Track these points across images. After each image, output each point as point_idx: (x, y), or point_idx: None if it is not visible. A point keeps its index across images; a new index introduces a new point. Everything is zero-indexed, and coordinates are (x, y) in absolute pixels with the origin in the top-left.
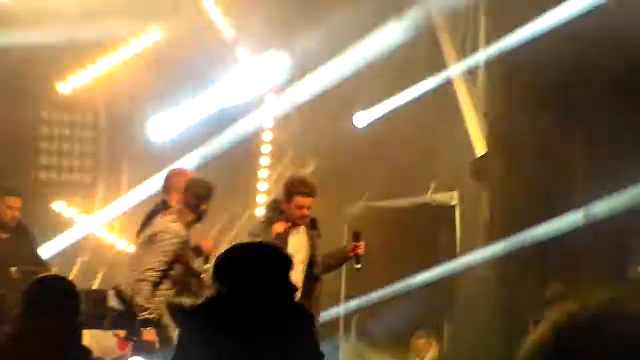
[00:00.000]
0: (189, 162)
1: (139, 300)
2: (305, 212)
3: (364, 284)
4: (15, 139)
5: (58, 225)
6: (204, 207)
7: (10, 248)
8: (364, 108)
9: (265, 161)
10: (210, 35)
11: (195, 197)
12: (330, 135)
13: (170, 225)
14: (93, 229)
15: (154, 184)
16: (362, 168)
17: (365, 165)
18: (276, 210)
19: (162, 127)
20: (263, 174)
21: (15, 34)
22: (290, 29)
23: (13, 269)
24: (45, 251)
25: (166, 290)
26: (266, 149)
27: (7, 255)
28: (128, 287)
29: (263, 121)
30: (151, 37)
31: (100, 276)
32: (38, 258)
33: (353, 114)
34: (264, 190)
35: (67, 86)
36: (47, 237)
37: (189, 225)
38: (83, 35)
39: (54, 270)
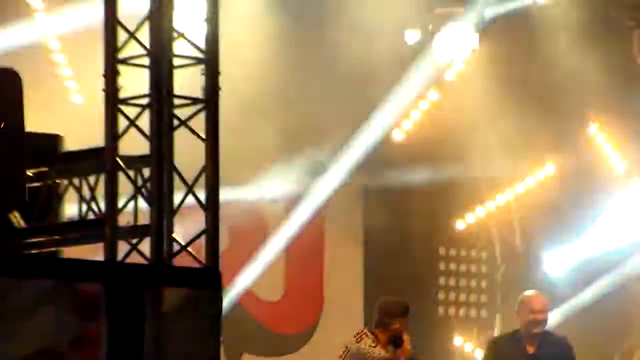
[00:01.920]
0: (583, 298)
1: None
2: None
3: None
4: (414, 275)
5: None
6: (396, 325)
7: None
8: None
9: None
10: (600, 170)
11: (385, 314)
12: None
13: (369, 350)
14: None
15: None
16: None
17: None
18: None
19: (557, 261)
20: None
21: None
22: None
23: None
24: None
25: None
26: None
27: None
28: None
29: None
30: (545, 172)
31: None
32: None
33: None
34: None
35: (462, 222)
36: None
37: (384, 347)
38: (478, 171)
39: None
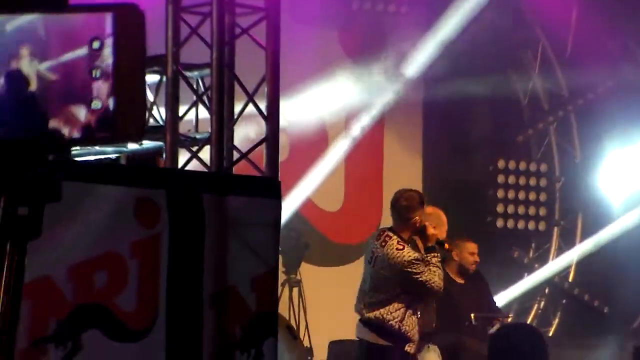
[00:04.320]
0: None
1: None
2: None
3: None
4: (472, 187)
5: (513, 273)
6: (415, 217)
7: (466, 293)
8: None
9: None
10: None
11: (405, 209)
12: None
13: (398, 254)
14: (548, 276)
15: (607, 234)
16: None
17: None
18: None
19: (616, 175)
20: None
21: None
22: None
23: (472, 315)
24: (502, 297)
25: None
26: None
27: (463, 300)
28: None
29: None
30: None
31: (555, 323)
32: (493, 304)
33: None
34: None
35: (522, 135)
36: (503, 284)
37: (407, 242)
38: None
39: (510, 317)
